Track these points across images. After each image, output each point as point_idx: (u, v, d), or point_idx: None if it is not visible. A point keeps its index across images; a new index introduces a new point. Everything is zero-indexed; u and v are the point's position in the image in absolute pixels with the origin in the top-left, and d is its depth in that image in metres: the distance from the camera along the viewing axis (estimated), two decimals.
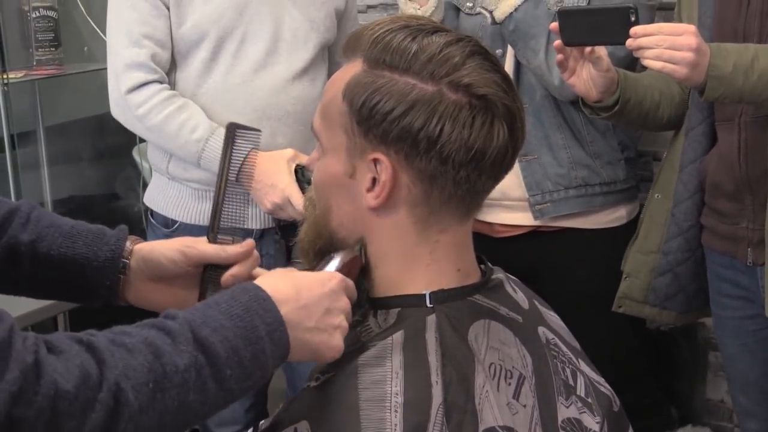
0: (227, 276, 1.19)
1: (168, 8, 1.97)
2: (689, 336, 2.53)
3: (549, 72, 2.01)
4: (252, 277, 1.20)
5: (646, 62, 1.64)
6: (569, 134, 2.11)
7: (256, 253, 1.23)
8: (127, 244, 1.23)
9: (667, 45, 1.61)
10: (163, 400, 0.85)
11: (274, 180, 1.91)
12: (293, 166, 1.92)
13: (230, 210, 1.21)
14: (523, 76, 2.09)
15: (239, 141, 1.19)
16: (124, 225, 1.26)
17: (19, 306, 2.16)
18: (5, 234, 1.19)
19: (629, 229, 2.16)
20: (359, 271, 1.08)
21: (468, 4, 2.18)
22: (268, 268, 1.20)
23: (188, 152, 1.95)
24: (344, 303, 1.02)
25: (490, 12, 2.06)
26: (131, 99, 1.95)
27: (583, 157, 2.11)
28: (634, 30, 1.63)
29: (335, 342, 1.00)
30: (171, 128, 1.94)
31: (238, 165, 1.19)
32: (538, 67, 2.03)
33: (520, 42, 2.04)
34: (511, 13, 2.02)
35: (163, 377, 0.86)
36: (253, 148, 1.20)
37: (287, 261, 2.05)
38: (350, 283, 1.05)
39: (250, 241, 1.22)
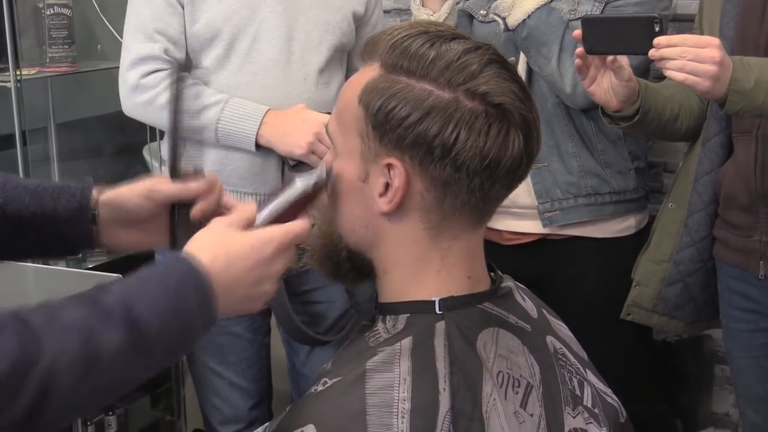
0: (196, 211, 1.21)
1: (183, 6, 1.98)
2: (695, 348, 2.52)
3: (561, 79, 2.01)
4: (220, 208, 1.23)
5: (668, 73, 1.63)
6: (580, 143, 2.11)
7: (219, 184, 1.24)
8: (94, 193, 1.25)
9: (690, 57, 1.60)
10: (94, 379, 0.88)
11: (303, 116, 1.93)
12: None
13: (189, 147, 1.22)
14: (534, 84, 2.09)
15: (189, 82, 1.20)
16: (90, 177, 1.28)
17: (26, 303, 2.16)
18: None
19: (638, 239, 2.16)
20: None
21: (481, 11, 2.18)
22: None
23: (207, 120, 1.96)
24: (278, 268, 1.04)
25: (503, 19, 2.06)
26: (143, 83, 1.98)
27: (593, 165, 2.11)
28: (657, 40, 1.62)
29: (257, 307, 1.04)
30: (188, 94, 1.95)
31: (191, 108, 1.21)
32: (550, 74, 2.03)
33: (532, 49, 2.04)
34: (524, 20, 2.02)
35: (96, 356, 0.88)
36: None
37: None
38: (294, 233, 1.05)
39: (212, 174, 1.23)
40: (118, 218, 1.24)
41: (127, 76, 2.00)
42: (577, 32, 1.73)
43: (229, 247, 1.01)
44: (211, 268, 0.98)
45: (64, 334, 0.87)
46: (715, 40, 1.64)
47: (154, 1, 1.98)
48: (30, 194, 1.24)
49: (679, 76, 1.62)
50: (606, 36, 1.70)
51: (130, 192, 1.24)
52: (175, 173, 1.22)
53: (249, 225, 1.06)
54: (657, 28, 1.63)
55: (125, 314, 0.91)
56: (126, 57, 2.01)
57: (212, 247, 1.01)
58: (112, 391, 0.91)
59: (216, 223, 1.05)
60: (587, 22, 1.72)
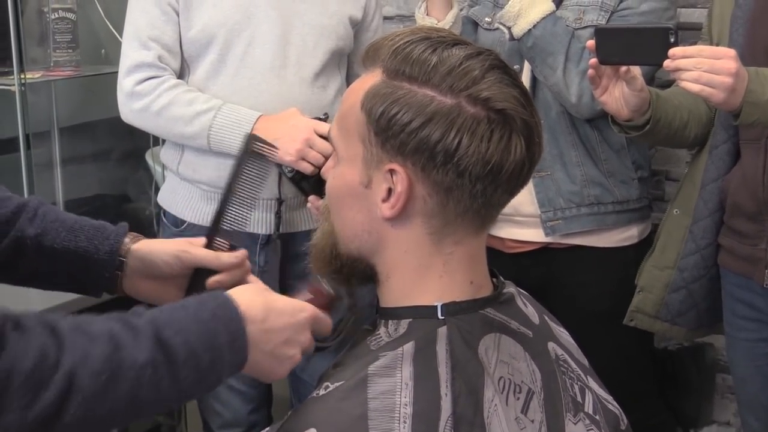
0: (212, 281, 1.24)
1: (177, 14, 2.00)
2: (697, 357, 2.52)
3: (567, 89, 2.01)
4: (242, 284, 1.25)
5: (683, 84, 1.62)
6: (583, 152, 2.11)
7: (247, 263, 1.28)
8: (126, 240, 1.28)
9: (706, 68, 1.59)
10: (115, 391, 0.88)
11: (294, 121, 1.91)
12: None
13: (233, 216, 1.23)
14: (539, 92, 2.09)
15: (254, 156, 1.20)
16: (125, 222, 1.31)
17: (28, 306, 2.16)
18: (13, 228, 1.25)
19: (640, 248, 2.16)
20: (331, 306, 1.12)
21: (486, 19, 2.19)
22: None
23: (200, 127, 1.96)
24: (306, 338, 1.06)
25: (509, 28, 2.06)
26: (138, 91, 1.99)
27: (596, 175, 2.11)
28: (672, 51, 1.61)
29: (282, 371, 1.05)
30: (182, 101, 1.97)
31: (249, 178, 1.21)
32: (555, 84, 2.03)
33: (538, 58, 2.04)
34: (530, 29, 2.02)
35: (119, 369, 0.89)
36: (266, 164, 1.22)
37: (281, 265, 2.04)
38: (321, 318, 1.09)
39: (243, 252, 1.26)
40: (144, 270, 1.27)
41: (124, 84, 2.02)
42: (591, 42, 1.72)
43: (267, 301, 1.03)
44: (246, 313, 0.99)
45: (90, 341, 0.88)
46: (731, 52, 1.63)
47: (149, 10, 2.00)
48: (66, 230, 1.27)
49: (694, 87, 1.61)
50: (619, 46, 1.69)
51: (162, 249, 1.27)
52: (211, 242, 1.25)
53: None
54: (672, 39, 1.62)
55: (153, 335, 0.92)
56: (123, 64, 2.03)
57: (251, 295, 1.03)
58: (135, 409, 0.91)
59: (254, 285, 1.09)
60: (600, 33, 1.72)
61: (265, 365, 1.03)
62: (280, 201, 2.02)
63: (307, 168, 1.90)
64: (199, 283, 1.26)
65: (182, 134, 1.99)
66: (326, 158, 1.85)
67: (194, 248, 1.26)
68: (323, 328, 1.10)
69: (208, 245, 1.26)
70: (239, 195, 1.22)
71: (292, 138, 1.89)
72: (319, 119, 1.93)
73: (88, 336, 0.89)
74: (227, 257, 1.25)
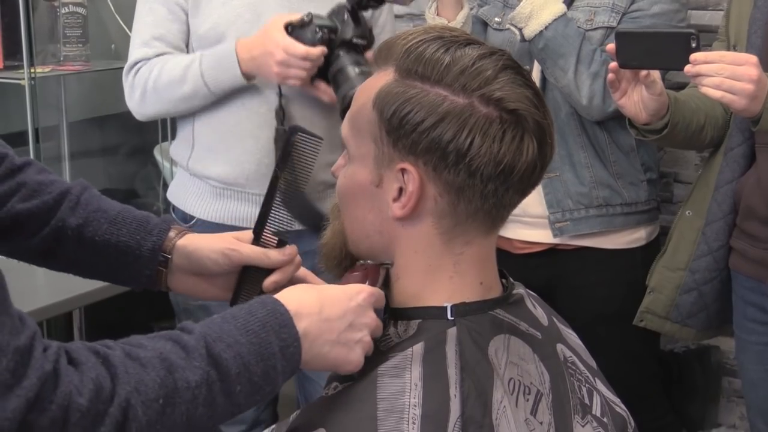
0: (269, 282, 1.21)
1: (186, 13, 2.00)
2: (703, 359, 2.52)
3: (578, 91, 2.01)
4: (294, 281, 1.23)
5: (704, 90, 1.62)
6: (593, 153, 2.10)
7: (298, 258, 1.24)
8: (171, 234, 1.25)
9: (727, 75, 1.59)
10: (172, 415, 0.88)
11: (268, 47, 1.91)
12: (282, 26, 1.92)
13: (279, 213, 1.21)
14: (548, 93, 2.09)
15: (298, 145, 1.18)
16: (169, 215, 1.27)
17: (36, 300, 2.18)
18: (55, 216, 1.23)
19: (649, 250, 2.16)
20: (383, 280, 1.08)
21: (496, 19, 2.19)
22: (307, 266, 1.23)
23: (193, 80, 1.97)
24: (369, 318, 1.03)
25: (520, 29, 2.05)
26: (134, 83, 2.02)
27: (605, 176, 2.11)
28: (694, 57, 1.61)
29: (354, 356, 1.01)
30: (168, 67, 1.98)
31: (294, 170, 1.19)
32: (566, 85, 2.02)
33: (549, 60, 2.03)
34: (541, 31, 2.01)
35: (174, 392, 0.88)
36: (311, 155, 1.19)
37: None
38: (379, 294, 1.05)
39: (292, 248, 1.23)
40: (190, 267, 1.24)
41: (125, 82, 2.05)
42: (611, 46, 1.72)
43: (321, 293, 1.02)
44: (300, 310, 0.98)
45: (144, 367, 0.88)
46: (753, 58, 1.62)
47: (155, 9, 2.02)
48: (109, 222, 1.24)
49: (715, 93, 1.60)
50: (640, 50, 1.69)
51: (208, 247, 1.24)
52: (259, 238, 1.22)
53: None
54: (693, 44, 1.61)
55: (205, 352, 0.91)
56: (127, 62, 2.06)
57: (303, 292, 1.01)
58: (191, 429, 0.90)
59: (302, 284, 1.08)
60: (621, 36, 1.71)
61: (332, 355, 1.00)
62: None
63: (295, 84, 1.92)
64: (248, 281, 1.23)
65: (184, 95, 2.00)
66: (307, 71, 1.88)
67: (242, 245, 1.22)
68: (381, 303, 1.06)
69: (256, 241, 1.23)
70: (285, 192, 1.20)
71: (267, 64, 1.91)
72: (303, 21, 1.92)
73: (140, 362, 0.88)
74: (276, 255, 1.21)
